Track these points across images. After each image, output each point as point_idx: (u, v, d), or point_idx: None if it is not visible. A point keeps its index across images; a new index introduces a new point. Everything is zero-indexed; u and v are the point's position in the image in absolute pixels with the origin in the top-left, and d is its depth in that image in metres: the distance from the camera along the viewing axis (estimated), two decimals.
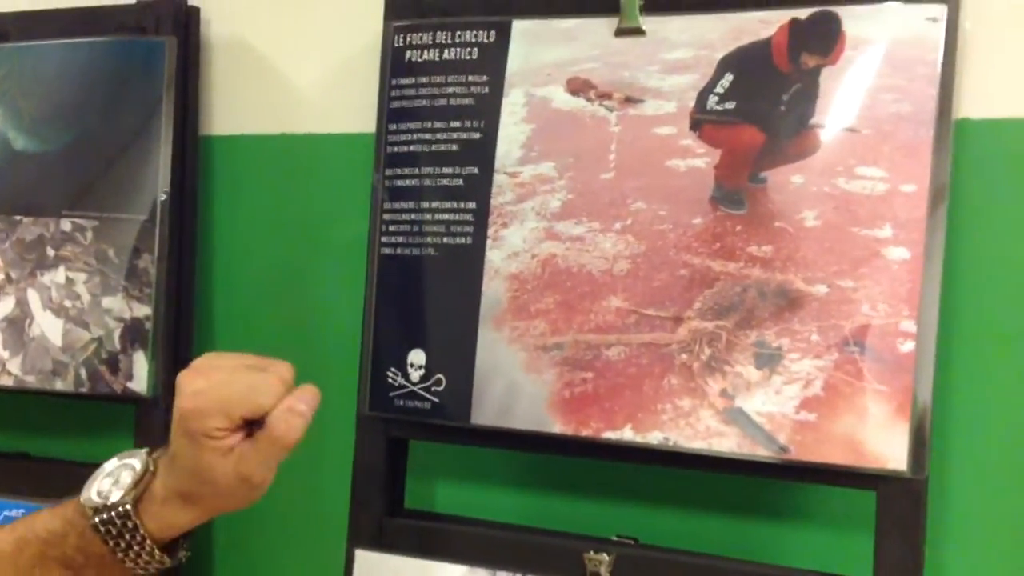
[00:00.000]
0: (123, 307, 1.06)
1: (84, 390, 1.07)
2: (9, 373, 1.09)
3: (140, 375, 1.06)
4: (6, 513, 1.12)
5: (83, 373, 1.07)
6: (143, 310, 1.06)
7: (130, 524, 0.72)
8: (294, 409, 0.72)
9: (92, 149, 1.09)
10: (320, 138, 1.10)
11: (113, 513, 0.72)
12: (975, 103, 0.85)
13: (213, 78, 1.13)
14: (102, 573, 0.75)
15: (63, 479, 1.08)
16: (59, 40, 1.11)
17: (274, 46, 1.11)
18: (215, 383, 0.73)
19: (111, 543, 0.73)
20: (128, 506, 0.72)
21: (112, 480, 0.74)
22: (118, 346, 1.06)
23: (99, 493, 0.73)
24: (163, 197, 1.05)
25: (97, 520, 0.72)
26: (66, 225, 1.08)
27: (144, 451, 0.75)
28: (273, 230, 1.12)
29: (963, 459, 0.87)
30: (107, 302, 1.06)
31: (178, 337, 1.09)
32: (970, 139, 0.85)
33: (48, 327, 1.08)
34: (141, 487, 0.73)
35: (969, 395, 0.87)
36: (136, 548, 0.73)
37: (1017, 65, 0.84)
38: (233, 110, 1.13)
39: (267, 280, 1.13)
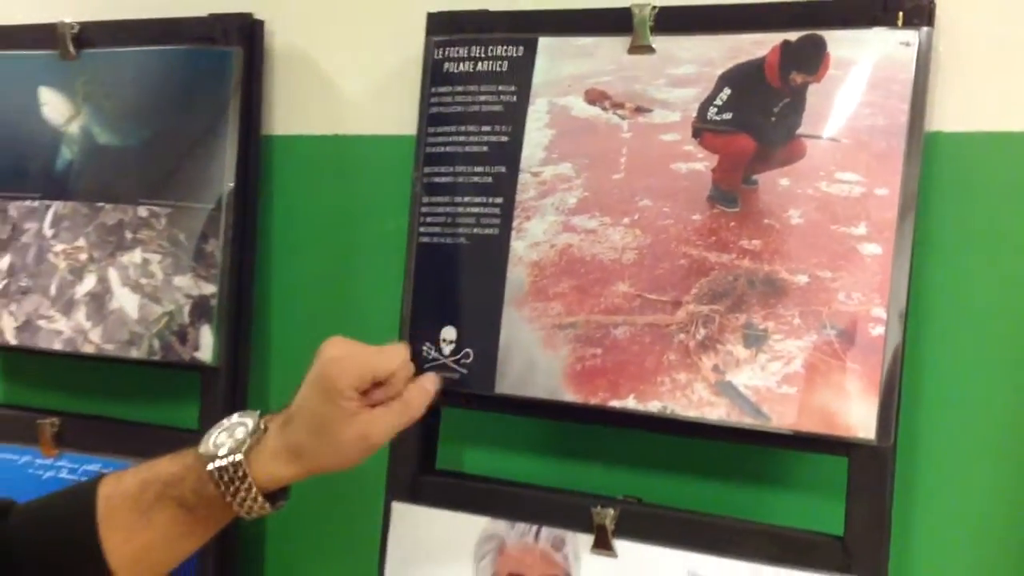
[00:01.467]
0: (192, 285, 1.13)
1: (156, 358, 1.14)
2: (91, 342, 1.16)
3: (206, 346, 1.13)
4: (85, 467, 1.19)
5: (156, 343, 1.14)
6: (209, 288, 1.13)
7: (240, 473, 0.80)
8: (426, 386, 0.85)
9: (166, 145, 1.15)
10: (367, 139, 1.16)
11: (227, 462, 0.80)
12: (947, 118, 0.91)
13: (274, 84, 1.18)
14: (212, 514, 0.82)
15: (135, 439, 1.18)
16: (139, 48, 1.17)
17: (328, 57, 1.16)
18: (350, 352, 0.83)
19: (222, 488, 0.80)
20: (240, 457, 0.81)
21: (228, 435, 0.82)
22: (187, 320, 1.13)
23: (215, 445, 0.82)
24: (229, 189, 1.12)
25: (213, 467, 0.80)
26: (143, 212, 1.15)
27: (256, 413, 0.84)
28: (324, 220, 1.18)
29: (930, 430, 0.93)
30: (178, 281, 1.14)
31: (239, 313, 1.15)
32: (942, 150, 0.90)
33: (126, 302, 1.15)
34: (253, 441, 0.81)
35: (936, 374, 0.92)
36: (243, 494, 0.81)
37: (984, 85, 0.90)
38: (291, 113, 1.18)
39: (318, 264, 1.18)
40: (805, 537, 0.91)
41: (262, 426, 0.83)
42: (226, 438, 0.82)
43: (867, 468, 0.88)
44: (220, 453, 0.81)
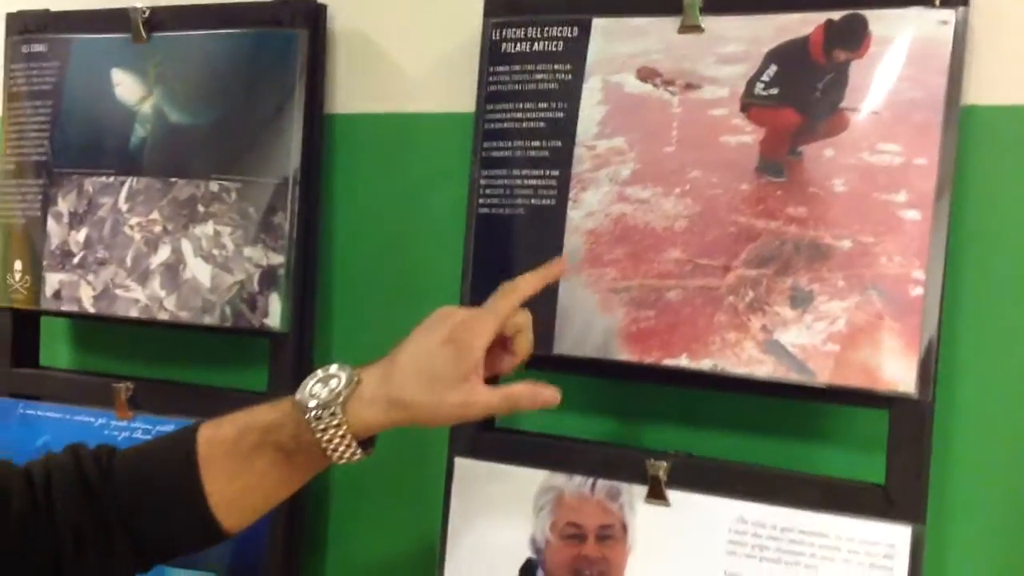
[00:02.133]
0: (261, 256, 1.18)
1: (228, 324, 1.19)
2: (166, 309, 1.22)
3: (274, 312, 1.18)
4: (158, 428, 1.23)
5: (227, 310, 1.19)
6: (277, 259, 1.18)
7: (336, 420, 0.85)
8: (542, 393, 0.89)
9: (236, 123, 1.20)
10: (425, 116, 1.20)
11: (325, 410, 0.85)
12: (982, 91, 0.95)
13: (336, 65, 1.23)
14: (308, 459, 0.87)
15: (206, 402, 1.22)
16: (207, 31, 1.22)
17: (388, 38, 1.21)
18: (478, 313, 0.89)
19: (319, 434, 0.85)
20: (338, 406, 0.85)
21: (322, 385, 0.86)
22: (256, 288, 1.18)
23: (312, 394, 0.86)
24: (295, 165, 1.17)
25: (312, 415, 0.85)
26: (214, 187, 1.20)
27: (348, 365, 0.88)
28: (384, 193, 1.22)
29: (966, 385, 0.97)
30: (248, 251, 1.19)
31: (305, 282, 1.20)
32: (977, 122, 0.95)
33: (199, 271, 1.21)
34: (348, 392, 0.86)
35: (971, 331, 0.97)
36: (338, 440, 0.85)
37: (1017, 61, 0.95)
38: (353, 92, 1.23)
39: (379, 234, 1.23)
40: (848, 485, 0.96)
41: (356, 377, 0.87)
42: (321, 388, 0.86)
43: (907, 420, 0.93)
44: (318, 402, 0.85)
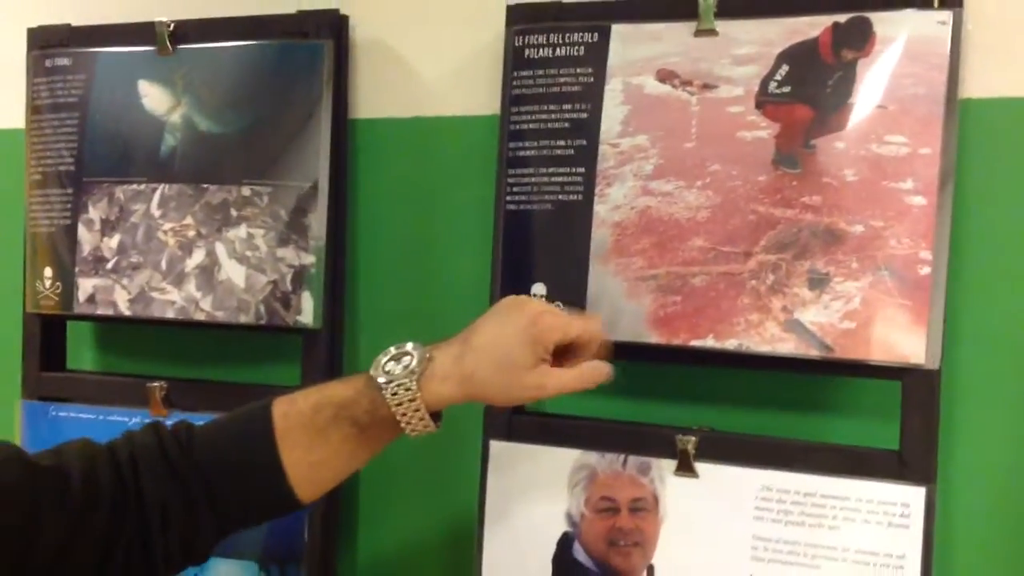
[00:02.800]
0: (293, 256, 1.23)
1: (263, 322, 1.24)
2: (202, 310, 1.26)
3: (307, 310, 1.23)
4: None
5: (262, 309, 1.24)
6: (308, 258, 1.23)
7: (411, 395, 0.90)
8: (603, 369, 0.95)
9: (265, 130, 1.24)
10: (443, 120, 1.26)
11: (400, 385, 0.90)
12: (976, 86, 1.03)
13: (357, 72, 1.28)
14: (382, 432, 0.92)
15: (239, 398, 1.23)
16: (235, 42, 1.27)
17: (407, 46, 1.26)
18: (556, 312, 0.95)
19: (395, 408, 0.90)
20: (414, 380, 0.90)
21: (395, 362, 0.91)
22: (289, 287, 1.23)
23: (387, 371, 0.91)
24: (324, 169, 1.22)
25: (388, 390, 0.90)
26: (246, 191, 1.25)
27: (418, 344, 0.93)
28: (407, 193, 1.27)
29: (969, 357, 1.05)
30: (280, 252, 1.23)
31: (335, 280, 1.25)
32: (973, 113, 1.03)
33: (233, 272, 1.25)
34: (423, 367, 0.91)
35: (974, 307, 1.04)
36: (412, 413, 0.90)
37: (1008, 58, 1.02)
38: (374, 98, 1.28)
39: (402, 234, 1.28)
40: (864, 452, 1.04)
41: (427, 355, 0.92)
42: (395, 365, 0.91)
43: (918, 389, 1.01)
44: (393, 378, 0.90)
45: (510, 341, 0.92)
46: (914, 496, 1.00)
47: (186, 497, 0.90)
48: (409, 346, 0.93)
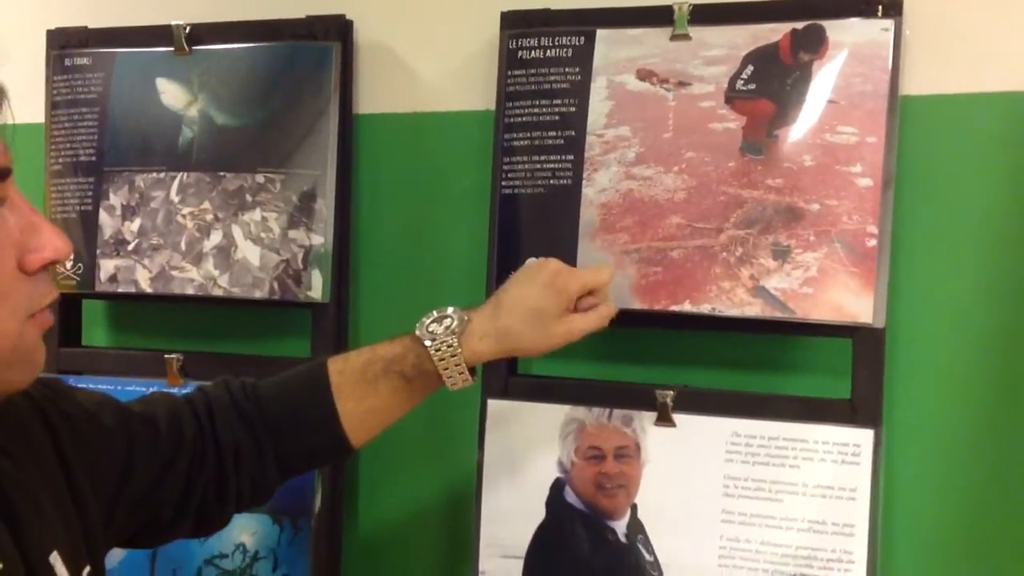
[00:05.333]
0: (304, 237, 1.32)
1: (276, 297, 1.33)
2: (220, 286, 1.35)
3: (317, 286, 1.32)
4: None
5: (275, 285, 1.33)
6: (318, 239, 1.32)
7: (452, 351, 0.99)
8: (612, 307, 1.06)
9: (278, 123, 1.34)
10: (439, 115, 1.36)
11: (443, 343, 0.99)
12: (914, 84, 1.16)
13: (360, 72, 1.38)
14: (425, 384, 1.01)
15: (252, 368, 1.31)
16: (249, 44, 1.36)
17: (407, 48, 1.36)
18: (573, 268, 1.05)
19: (439, 363, 0.99)
20: (455, 338, 1.00)
21: (438, 324, 1.01)
22: (300, 265, 1.32)
23: (430, 331, 1.00)
24: (333, 158, 1.32)
25: (432, 347, 0.99)
26: (260, 178, 1.34)
27: (457, 308, 1.02)
28: (407, 181, 1.37)
29: (909, 316, 1.18)
30: (292, 234, 1.33)
31: (341, 259, 1.35)
32: (911, 108, 1.16)
33: (249, 252, 1.34)
34: (462, 327, 1.00)
35: (914, 275, 1.17)
36: (453, 367, 1.00)
37: (941, 61, 1.16)
38: (377, 95, 1.38)
39: (405, 216, 1.38)
40: (820, 401, 1.17)
41: (466, 317, 1.02)
42: (437, 326, 1.01)
43: (866, 345, 1.14)
44: (436, 337, 1.00)
45: (537, 296, 1.02)
46: (864, 437, 1.13)
47: (255, 442, 0.99)
48: (450, 310, 1.03)
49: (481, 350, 1.01)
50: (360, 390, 1.01)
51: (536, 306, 1.02)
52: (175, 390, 1.38)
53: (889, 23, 1.12)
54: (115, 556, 1.33)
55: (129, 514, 0.94)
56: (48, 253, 0.77)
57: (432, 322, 1.02)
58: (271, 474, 1.01)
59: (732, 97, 1.17)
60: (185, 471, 0.96)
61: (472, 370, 1.02)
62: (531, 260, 1.10)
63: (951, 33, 1.16)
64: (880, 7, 1.13)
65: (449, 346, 1.00)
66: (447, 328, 1.01)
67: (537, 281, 1.03)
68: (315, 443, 1.02)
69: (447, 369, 1.00)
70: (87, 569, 0.85)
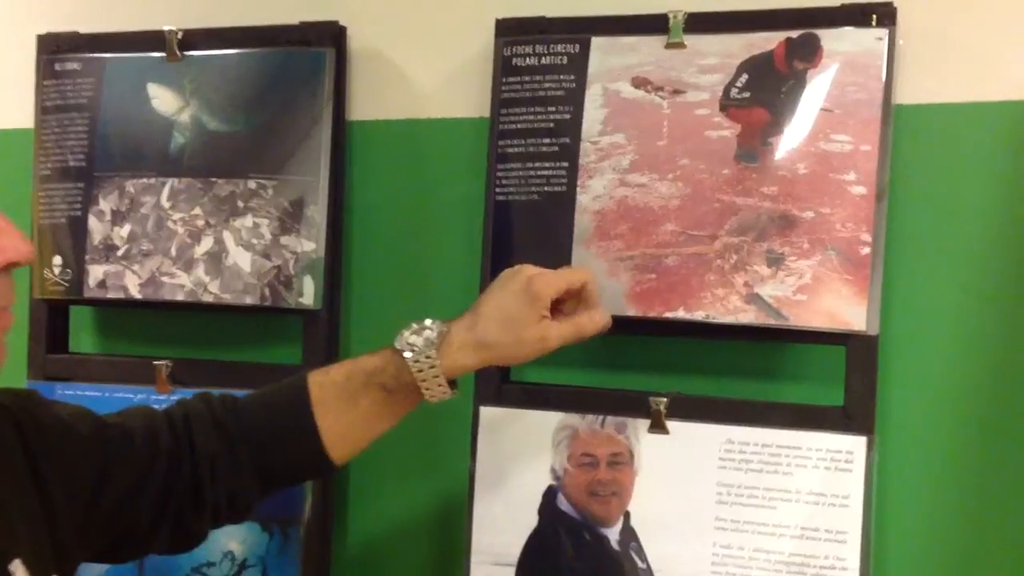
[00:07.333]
0: (295, 243, 1.30)
1: (268, 303, 1.31)
2: (210, 292, 1.33)
3: (308, 292, 1.30)
4: None
5: (267, 291, 1.31)
6: (310, 245, 1.30)
7: (431, 363, 0.98)
8: (597, 318, 1.02)
9: (271, 129, 1.31)
10: (433, 121, 1.34)
11: (422, 355, 0.98)
12: (907, 93, 1.15)
13: (354, 78, 1.37)
14: (406, 397, 1.00)
15: (241, 375, 1.32)
16: (241, 50, 1.34)
17: (400, 54, 1.35)
18: (546, 271, 1.01)
19: (417, 375, 0.98)
20: (433, 350, 0.98)
21: (417, 335, 0.99)
22: (292, 272, 1.30)
23: (409, 343, 0.98)
24: (326, 164, 1.30)
25: (411, 359, 0.98)
26: (252, 184, 1.32)
27: (437, 320, 1.00)
28: (400, 188, 1.35)
29: (902, 324, 1.17)
30: (284, 240, 1.31)
31: (334, 266, 1.33)
32: (905, 116, 1.15)
33: (240, 259, 1.32)
34: (441, 339, 0.98)
35: (908, 282, 1.17)
36: (432, 380, 0.98)
37: (934, 70, 1.15)
38: (370, 102, 1.36)
39: (397, 223, 1.36)
40: (813, 408, 1.15)
41: (444, 328, 1.00)
42: (417, 338, 0.99)
43: (859, 352, 1.12)
44: (416, 348, 0.99)
45: (511, 303, 0.99)
46: (856, 444, 1.12)
47: (232, 455, 0.98)
48: (428, 321, 1.01)
49: (460, 361, 1.00)
50: (341, 403, 0.99)
51: (510, 314, 0.99)
52: (164, 397, 1.37)
53: (883, 32, 1.12)
54: (101, 566, 1.30)
55: (105, 524, 0.92)
56: (10, 255, 0.76)
57: (411, 334, 1.00)
58: (250, 488, 0.99)
59: (727, 105, 1.16)
60: (162, 479, 0.95)
61: (452, 382, 1.01)
62: (508, 268, 1.06)
63: (944, 43, 1.15)
64: (874, 17, 1.13)
65: (428, 358, 0.98)
66: (426, 340, 0.99)
67: (510, 288, 1.01)
68: (294, 458, 1.01)
69: (425, 381, 0.99)
70: None
